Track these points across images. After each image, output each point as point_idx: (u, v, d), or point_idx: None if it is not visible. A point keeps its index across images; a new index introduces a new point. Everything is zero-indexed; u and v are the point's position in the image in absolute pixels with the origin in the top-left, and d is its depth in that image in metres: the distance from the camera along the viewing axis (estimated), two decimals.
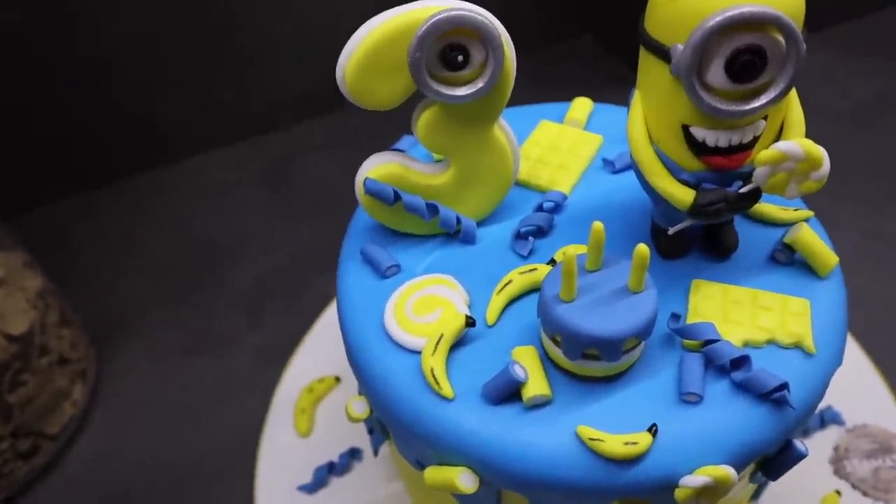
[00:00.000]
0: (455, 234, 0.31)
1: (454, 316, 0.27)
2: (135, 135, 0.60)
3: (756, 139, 0.25)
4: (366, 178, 0.29)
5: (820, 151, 0.24)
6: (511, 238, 0.31)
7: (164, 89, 0.59)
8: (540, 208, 0.32)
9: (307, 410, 0.41)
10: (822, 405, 0.43)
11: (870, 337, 0.48)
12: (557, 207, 0.32)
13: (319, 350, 0.47)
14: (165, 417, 0.46)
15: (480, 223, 0.32)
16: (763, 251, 0.30)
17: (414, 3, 0.26)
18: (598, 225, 0.24)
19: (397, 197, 0.29)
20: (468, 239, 0.31)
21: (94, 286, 0.53)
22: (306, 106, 0.65)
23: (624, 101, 0.28)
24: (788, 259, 0.29)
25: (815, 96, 0.71)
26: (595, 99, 0.38)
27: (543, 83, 0.70)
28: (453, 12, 0.25)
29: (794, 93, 0.26)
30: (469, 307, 0.28)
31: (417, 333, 0.27)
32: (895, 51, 0.76)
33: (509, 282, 0.29)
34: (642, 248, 0.24)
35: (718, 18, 0.22)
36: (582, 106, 0.37)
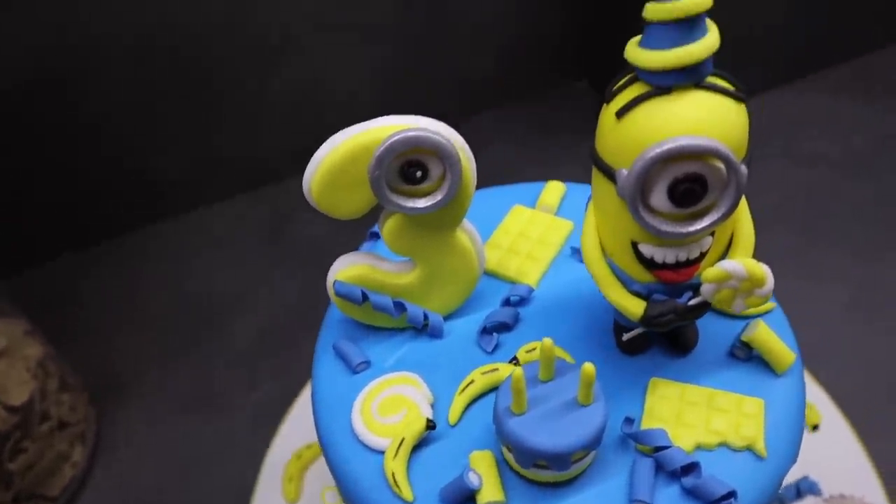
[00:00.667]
0: (424, 329, 0.32)
1: (416, 418, 0.28)
2: (133, 190, 0.62)
3: (703, 254, 0.26)
4: (335, 281, 0.30)
5: (762, 271, 0.25)
6: (477, 333, 0.32)
7: (160, 144, 0.61)
8: (507, 302, 0.33)
9: (295, 478, 0.42)
10: (798, 475, 0.43)
11: (852, 402, 0.47)
12: (523, 301, 0.33)
13: (310, 414, 0.48)
14: (162, 478, 0.48)
15: (449, 316, 0.33)
16: (723, 346, 0.31)
17: (374, 121, 0.27)
18: (547, 342, 0.25)
19: (365, 297, 0.31)
20: (436, 334, 0.32)
21: (93, 343, 0.55)
22: (305, 160, 0.67)
23: None
24: (747, 355, 0.30)
25: (813, 140, 0.71)
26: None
27: (539, 129, 0.71)
28: (409, 133, 0.26)
29: (744, 206, 0.27)
30: (433, 406, 0.30)
31: (382, 434, 0.28)
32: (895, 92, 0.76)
33: (471, 382, 0.30)
34: (588, 369, 0.24)
35: (657, 151, 0.23)
36: (554, 190, 0.38)
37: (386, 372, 0.31)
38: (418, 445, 0.28)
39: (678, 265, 0.26)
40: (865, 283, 0.60)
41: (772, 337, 0.29)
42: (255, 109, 0.63)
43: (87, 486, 0.47)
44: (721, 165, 0.23)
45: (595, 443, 0.25)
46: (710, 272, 0.25)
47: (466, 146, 0.28)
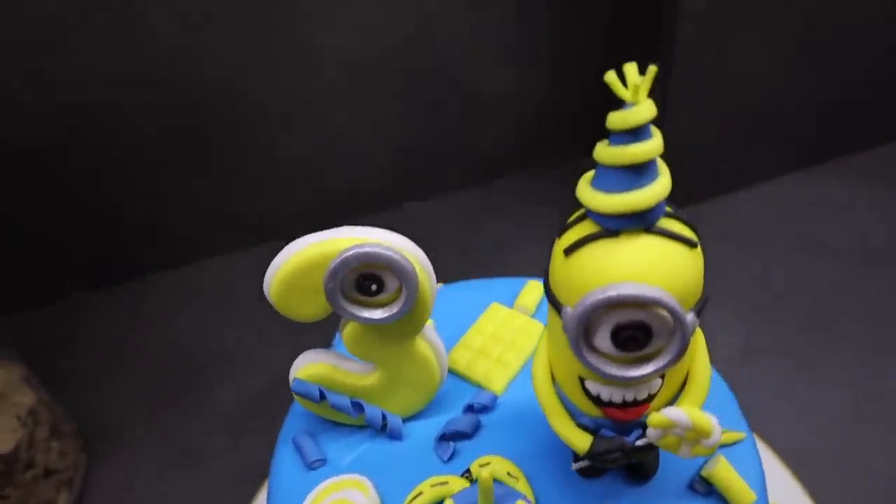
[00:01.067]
0: (383, 430, 0.32)
1: None
2: (137, 239, 0.64)
3: (652, 396, 0.25)
4: (294, 379, 0.30)
5: (708, 423, 0.24)
6: (435, 439, 0.31)
7: (169, 198, 0.63)
8: (470, 408, 0.32)
9: None
10: None
11: None
12: (486, 409, 0.32)
13: None
14: None
15: (411, 417, 0.33)
16: (683, 477, 0.30)
17: (332, 231, 0.28)
18: (486, 480, 0.25)
19: (323, 396, 0.31)
20: (395, 435, 0.32)
21: (88, 389, 0.56)
22: (305, 218, 0.68)
23: None
24: (706, 490, 0.29)
25: (826, 231, 0.69)
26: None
27: (550, 201, 0.70)
28: (363, 250, 0.26)
29: (701, 349, 0.26)
30: None
31: None
32: None
33: (420, 494, 0.29)
34: None
35: (598, 297, 0.22)
36: (533, 290, 0.37)
37: (342, 471, 0.31)
38: None
39: (626, 404, 0.25)
40: (869, 391, 0.57)
41: (732, 475, 0.28)
42: (263, 169, 0.64)
43: None
44: (666, 314, 0.23)
45: None
46: (654, 418, 0.24)
47: (424, 259, 0.28)
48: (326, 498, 0.29)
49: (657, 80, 0.62)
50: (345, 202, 0.66)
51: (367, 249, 0.26)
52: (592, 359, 0.24)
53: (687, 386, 0.26)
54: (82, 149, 0.57)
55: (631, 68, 0.21)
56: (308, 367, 0.31)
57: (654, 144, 0.22)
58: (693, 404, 0.25)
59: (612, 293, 0.22)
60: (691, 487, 0.29)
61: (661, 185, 0.22)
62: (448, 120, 0.66)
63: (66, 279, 0.63)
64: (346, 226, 0.28)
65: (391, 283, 0.28)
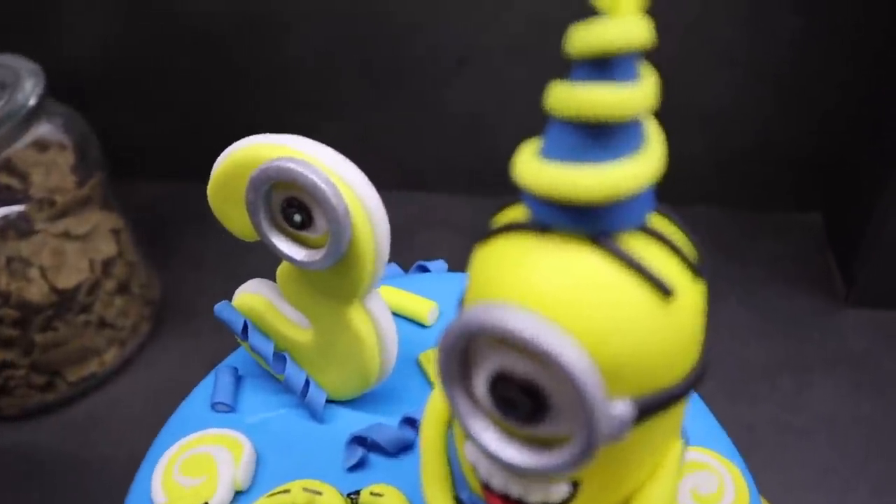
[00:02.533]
0: (304, 399, 0.26)
1: (197, 495, 0.23)
2: None
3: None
4: (219, 303, 0.26)
5: None
6: (348, 438, 0.25)
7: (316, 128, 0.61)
8: (408, 422, 0.25)
9: None
10: None
11: None
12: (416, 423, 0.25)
13: None
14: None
15: (344, 402, 0.26)
16: None
17: (285, 138, 0.22)
18: None
19: (245, 333, 0.26)
20: (314, 413, 0.26)
21: (188, 268, 0.58)
22: (468, 175, 0.63)
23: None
24: None
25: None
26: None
27: (739, 254, 0.56)
28: (282, 164, 0.20)
29: (663, 480, 0.16)
30: (238, 492, 0.24)
31: (166, 489, 0.24)
32: None
33: (286, 491, 0.23)
34: None
35: (465, 319, 0.14)
36: None
37: (241, 426, 0.26)
38: None
39: (509, 499, 0.16)
40: None
41: None
42: (429, 118, 0.60)
43: (106, 386, 0.49)
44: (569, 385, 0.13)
45: None
46: None
47: (373, 205, 0.21)
48: (195, 447, 0.25)
49: None
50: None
51: (285, 164, 0.20)
52: (462, 405, 0.15)
53: None
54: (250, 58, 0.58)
55: None
56: (248, 295, 0.26)
57: (632, 93, 0.12)
58: None
59: (481, 318, 0.13)
60: None
61: (632, 168, 0.13)
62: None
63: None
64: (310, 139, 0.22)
65: (321, 221, 0.21)
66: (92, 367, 0.48)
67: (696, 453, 0.24)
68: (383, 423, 0.25)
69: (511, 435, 0.15)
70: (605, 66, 0.12)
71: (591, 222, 0.13)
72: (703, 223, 0.58)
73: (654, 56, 0.56)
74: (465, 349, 0.15)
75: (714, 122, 0.56)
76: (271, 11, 0.55)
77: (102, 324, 0.47)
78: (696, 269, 0.14)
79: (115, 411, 0.50)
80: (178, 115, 0.62)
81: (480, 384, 0.15)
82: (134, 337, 0.50)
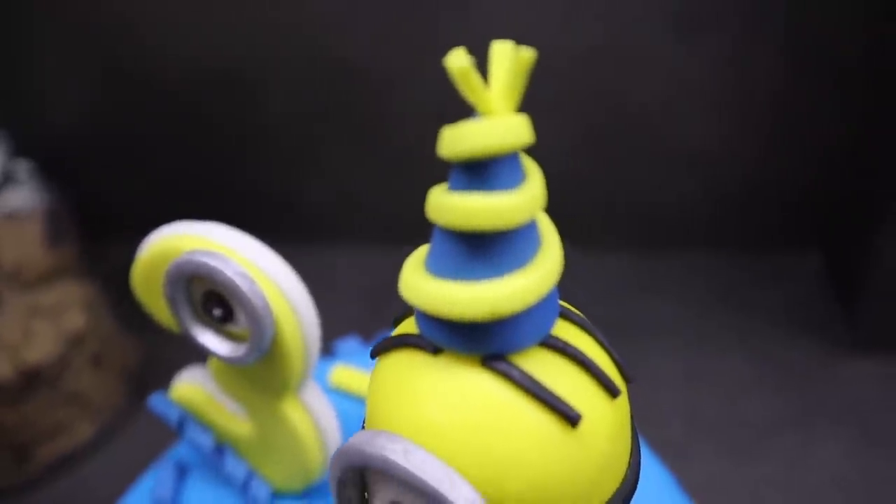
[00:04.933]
0: (245, 491, 0.24)
1: None
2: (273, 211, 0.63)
3: None
4: (153, 395, 0.25)
5: None
6: None
7: (300, 176, 0.61)
8: None
9: None
10: None
11: None
12: None
13: None
14: None
15: (289, 495, 0.25)
16: None
17: (204, 226, 0.21)
18: None
19: (181, 426, 0.24)
20: None
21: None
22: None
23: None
24: None
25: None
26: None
27: (737, 301, 0.54)
28: (196, 258, 0.19)
29: None
30: None
31: None
32: None
33: None
34: None
35: (350, 449, 0.13)
36: None
37: None
38: None
39: None
40: None
41: None
42: (405, 168, 0.59)
43: (81, 463, 0.48)
44: None
45: None
46: None
47: (299, 300, 0.20)
48: None
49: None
50: None
51: (200, 258, 0.19)
52: None
53: None
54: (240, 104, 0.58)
55: (500, 50, 0.11)
56: (185, 386, 0.25)
57: (511, 200, 0.11)
58: None
59: (366, 451, 0.12)
60: None
61: (514, 285, 0.11)
62: (622, 162, 0.54)
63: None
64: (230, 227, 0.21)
65: (242, 317, 0.20)
66: (64, 443, 0.46)
67: None
68: None
69: None
70: (480, 170, 0.11)
71: (480, 344, 0.12)
72: (698, 268, 0.56)
73: (641, 102, 0.54)
74: (361, 476, 0.13)
75: (705, 166, 0.54)
76: (246, 72, 0.55)
77: (74, 398, 0.46)
78: (610, 386, 0.12)
79: (90, 490, 0.48)
80: (156, 178, 0.62)
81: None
82: (109, 410, 0.49)
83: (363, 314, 0.55)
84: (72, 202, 0.49)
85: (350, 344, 0.31)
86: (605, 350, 0.13)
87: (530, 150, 0.52)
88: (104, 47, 0.54)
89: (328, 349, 0.48)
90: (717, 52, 0.50)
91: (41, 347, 0.44)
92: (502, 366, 0.12)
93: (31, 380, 0.44)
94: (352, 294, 0.60)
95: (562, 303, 0.14)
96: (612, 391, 0.12)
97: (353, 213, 0.66)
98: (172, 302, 0.20)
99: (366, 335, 0.53)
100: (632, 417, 0.14)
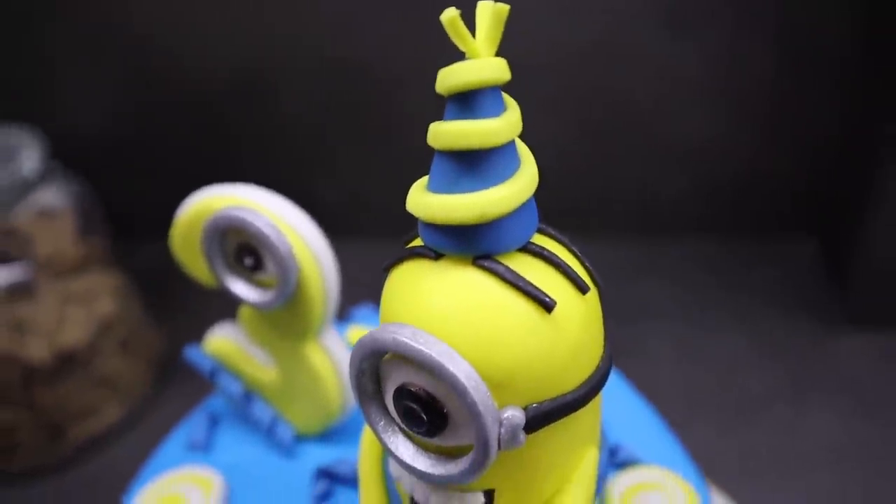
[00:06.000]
0: (272, 435, 0.27)
1: None
2: None
3: None
4: (190, 346, 0.27)
5: None
6: (315, 471, 0.26)
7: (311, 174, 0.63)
8: None
9: None
10: None
11: None
12: None
13: None
14: None
15: (313, 439, 0.27)
16: None
17: (225, 188, 0.24)
18: None
19: (213, 375, 0.27)
20: (284, 448, 0.27)
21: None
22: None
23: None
24: None
25: None
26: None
27: (734, 284, 0.57)
28: (229, 212, 0.22)
29: (577, 482, 0.17)
30: None
31: None
32: None
33: None
34: None
35: (365, 339, 0.15)
36: None
37: (215, 465, 0.27)
38: None
39: None
40: None
41: None
42: (397, 162, 0.62)
43: (110, 444, 0.50)
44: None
45: None
46: None
47: (320, 250, 0.23)
48: (168, 488, 0.26)
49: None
50: None
51: (233, 213, 0.22)
52: (378, 421, 0.16)
53: None
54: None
55: (483, 6, 0.14)
56: (218, 340, 0.27)
57: (493, 124, 0.14)
58: None
59: (377, 338, 0.15)
60: None
61: (499, 193, 0.14)
62: (618, 155, 0.57)
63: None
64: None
65: (270, 264, 0.23)
66: (94, 425, 0.49)
67: (652, 473, 0.24)
68: (349, 457, 0.26)
69: (423, 448, 0.16)
70: (468, 101, 0.14)
71: (472, 245, 0.15)
72: (694, 255, 0.59)
73: (636, 96, 0.57)
74: (376, 369, 0.16)
75: (701, 156, 0.57)
76: (262, 77, 0.58)
77: (104, 381, 0.49)
78: (580, 283, 0.15)
79: (118, 470, 0.51)
80: (178, 178, 0.65)
81: (390, 400, 0.16)
82: (136, 394, 0.51)
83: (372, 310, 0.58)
84: (98, 201, 0.52)
85: (364, 310, 0.34)
86: (578, 259, 0.16)
87: (529, 142, 0.55)
88: (128, 53, 0.57)
89: (344, 314, 0.51)
90: (710, 47, 0.52)
91: (74, 332, 0.47)
92: (490, 264, 0.15)
93: (66, 362, 0.47)
94: (361, 291, 0.63)
95: (545, 225, 0.16)
96: (582, 288, 0.15)
97: (363, 212, 0.68)
98: (209, 255, 0.23)
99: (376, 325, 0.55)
100: (604, 321, 0.17)
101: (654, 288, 0.56)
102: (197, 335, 0.59)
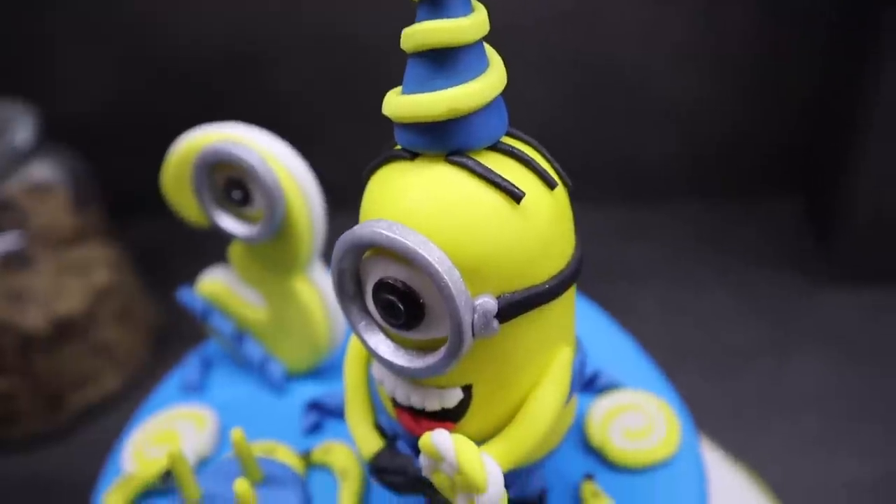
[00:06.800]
0: (262, 372, 0.28)
1: (160, 462, 0.24)
2: None
3: (448, 412, 0.17)
4: (182, 288, 0.28)
5: (478, 473, 0.15)
6: (306, 403, 0.26)
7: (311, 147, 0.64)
8: None
9: None
10: None
11: None
12: None
13: None
14: None
15: (302, 376, 0.28)
16: None
17: (223, 125, 0.24)
18: (239, 442, 0.19)
19: (205, 316, 0.28)
20: (274, 385, 0.27)
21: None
22: None
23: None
24: None
25: None
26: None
27: (721, 243, 0.57)
28: (216, 146, 0.22)
29: (551, 377, 0.17)
30: (201, 458, 0.25)
31: (137, 463, 0.25)
32: None
33: None
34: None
35: (346, 236, 0.16)
36: None
37: (208, 403, 0.28)
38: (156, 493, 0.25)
39: (414, 412, 0.18)
40: None
41: None
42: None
43: (109, 413, 0.51)
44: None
45: None
46: (423, 440, 0.16)
47: (306, 182, 0.23)
48: (163, 425, 0.26)
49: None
50: None
51: (221, 146, 0.23)
52: (358, 320, 0.17)
53: (508, 427, 0.17)
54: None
55: None
56: (209, 282, 0.28)
57: (460, 23, 0.15)
58: (504, 446, 0.17)
59: (355, 233, 0.15)
60: None
61: (466, 89, 0.15)
62: (604, 117, 0.57)
63: None
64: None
65: (258, 198, 0.24)
66: (93, 393, 0.50)
67: (632, 396, 0.25)
68: (337, 390, 0.26)
69: (401, 344, 0.17)
70: (435, 3, 0.15)
71: (444, 142, 0.15)
72: (680, 215, 0.60)
73: (621, 59, 0.58)
74: (356, 270, 0.17)
75: (686, 118, 0.57)
76: (257, 53, 0.59)
77: (101, 350, 0.50)
78: (549, 179, 0.16)
79: (115, 441, 0.51)
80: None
81: (369, 297, 0.16)
82: (133, 364, 0.52)
83: None
84: (94, 176, 0.53)
85: None
86: (547, 160, 0.17)
87: (514, 107, 0.56)
88: (125, 30, 0.57)
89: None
90: (692, 8, 0.53)
91: (71, 301, 0.48)
92: (461, 159, 0.15)
93: (62, 331, 0.47)
94: None
95: (515, 130, 0.17)
96: (550, 183, 0.16)
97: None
98: (198, 190, 0.24)
99: None
100: (575, 223, 0.17)
101: (641, 249, 0.57)
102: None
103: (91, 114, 0.63)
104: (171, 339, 0.57)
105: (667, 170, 0.59)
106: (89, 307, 0.48)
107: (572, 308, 0.18)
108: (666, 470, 0.23)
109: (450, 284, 0.15)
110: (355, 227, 0.16)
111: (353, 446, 0.24)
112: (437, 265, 0.15)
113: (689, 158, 0.59)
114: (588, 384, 0.25)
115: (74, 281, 0.48)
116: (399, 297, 0.15)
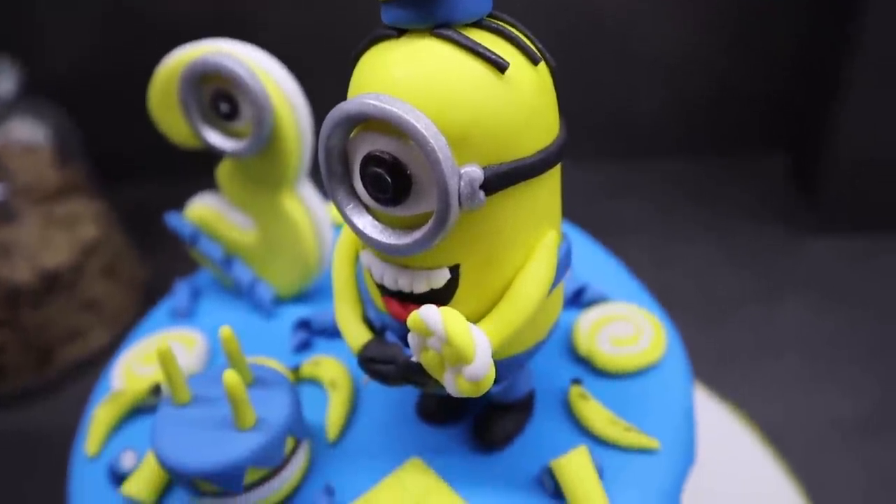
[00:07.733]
0: (252, 294, 0.28)
1: (150, 379, 0.25)
2: None
3: (437, 293, 0.17)
4: (171, 212, 0.28)
5: (466, 342, 0.16)
6: (294, 323, 0.27)
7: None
8: None
9: None
10: None
11: None
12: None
13: None
14: None
15: (292, 300, 0.28)
16: (535, 464, 0.21)
17: (212, 41, 0.24)
18: (227, 340, 0.20)
19: (194, 240, 0.28)
20: (262, 306, 0.28)
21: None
22: None
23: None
24: (551, 489, 0.20)
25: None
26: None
27: (691, 193, 0.58)
28: (206, 57, 0.22)
29: (538, 258, 0.18)
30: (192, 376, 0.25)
31: (126, 378, 0.25)
32: None
33: None
34: (232, 382, 0.18)
35: (335, 110, 0.16)
36: None
37: (198, 327, 0.28)
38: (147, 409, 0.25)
39: (402, 296, 0.18)
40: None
41: (583, 476, 0.19)
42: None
43: (97, 368, 0.51)
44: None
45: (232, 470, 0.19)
46: (411, 316, 0.17)
47: (293, 94, 0.23)
48: (153, 346, 0.26)
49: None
50: None
51: (209, 57, 0.22)
52: (344, 201, 0.17)
53: (497, 306, 0.17)
54: None
55: None
56: (198, 206, 0.28)
57: None
58: (492, 326, 0.17)
59: (343, 107, 0.16)
60: (539, 480, 0.20)
61: None
62: (592, 74, 0.58)
63: None
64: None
65: (246, 110, 0.24)
66: (81, 348, 0.50)
67: (619, 307, 0.25)
68: (326, 310, 0.27)
69: (388, 224, 0.17)
70: None
71: (429, 14, 0.16)
72: (668, 171, 0.60)
73: (609, 14, 0.58)
74: (344, 150, 0.17)
75: (673, 76, 0.58)
76: (243, 8, 0.58)
77: (89, 306, 0.49)
78: (532, 54, 0.16)
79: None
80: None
81: (357, 177, 0.17)
82: (122, 319, 0.52)
83: None
84: (78, 131, 0.52)
85: None
86: (530, 39, 0.17)
87: None
88: None
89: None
90: None
91: (57, 254, 0.47)
92: (446, 32, 0.15)
93: (50, 284, 0.47)
94: None
95: (501, 13, 0.17)
96: (533, 58, 0.16)
97: None
98: (185, 102, 0.24)
99: None
100: (558, 104, 0.17)
101: (631, 204, 0.57)
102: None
103: (76, 74, 0.63)
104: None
105: (654, 126, 0.59)
106: (76, 261, 0.48)
107: (558, 192, 0.18)
108: (652, 373, 0.23)
109: (436, 149, 0.15)
110: (343, 104, 0.16)
111: (341, 359, 0.25)
112: (423, 130, 0.15)
113: (676, 116, 0.60)
114: (575, 298, 0.26)
115: (61, 235, 0.48)
116: (387, 169, 0.16)
